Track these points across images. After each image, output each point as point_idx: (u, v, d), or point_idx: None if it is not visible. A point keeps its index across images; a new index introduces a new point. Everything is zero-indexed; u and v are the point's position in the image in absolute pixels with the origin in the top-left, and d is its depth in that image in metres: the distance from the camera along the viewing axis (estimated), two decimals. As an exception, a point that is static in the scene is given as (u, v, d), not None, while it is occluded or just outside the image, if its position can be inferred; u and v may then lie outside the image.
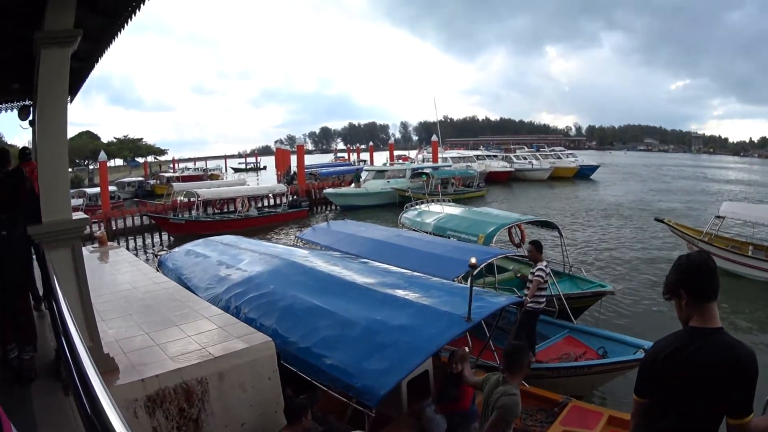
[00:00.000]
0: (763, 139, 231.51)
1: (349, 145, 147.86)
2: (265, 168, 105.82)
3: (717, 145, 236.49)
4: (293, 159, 49.53)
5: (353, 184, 42.52)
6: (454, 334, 6.48)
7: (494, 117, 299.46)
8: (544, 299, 10.32)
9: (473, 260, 7.00)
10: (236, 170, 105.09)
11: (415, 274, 9.36)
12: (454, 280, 9.94)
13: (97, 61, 7.01)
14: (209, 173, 74.10)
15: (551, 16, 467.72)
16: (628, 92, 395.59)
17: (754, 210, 20.73)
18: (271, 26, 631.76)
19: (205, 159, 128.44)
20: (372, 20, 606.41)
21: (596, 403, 9.48)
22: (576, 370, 9.26)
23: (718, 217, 19.50)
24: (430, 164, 49.42)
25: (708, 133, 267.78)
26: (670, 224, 21.27)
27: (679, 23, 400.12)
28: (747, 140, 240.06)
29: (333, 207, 39.58)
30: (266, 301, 7.96)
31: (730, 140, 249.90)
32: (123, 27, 5.60)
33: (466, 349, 6.49)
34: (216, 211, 32.87)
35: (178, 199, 32.67)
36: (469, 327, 6.63)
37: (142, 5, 5.05)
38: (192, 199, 31.04)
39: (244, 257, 10.43)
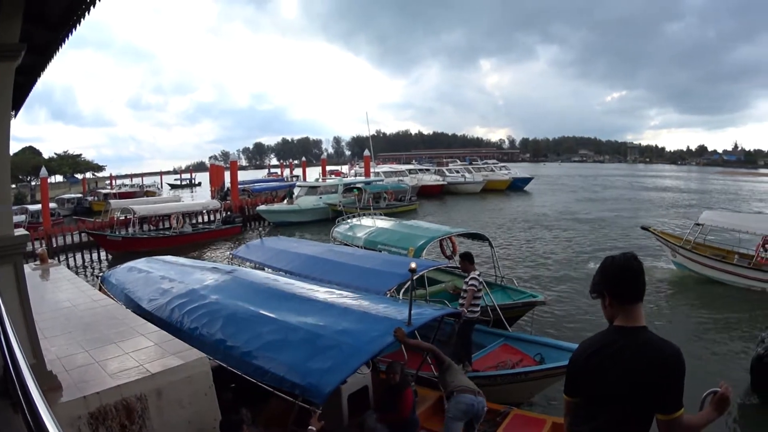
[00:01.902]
0: (701, 147, 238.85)
1: (282, 161, 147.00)
2: (200, 184, 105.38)
3: (653, 155, 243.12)
4: (227, 175, 49.19)
5: (286, 200, 42.29)
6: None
7: (427, 131, 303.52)
8: (478, 308, 10.46)
9: (413, 265, 7.10)
10: (172, 186, 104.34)
11: (352, 290, 9.41)
12: (386, 293, 10.07)
13: (39, 75, 6.97)
14: (145, 189, 73.41)
15: (487, 30, 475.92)
16: (563, 104, 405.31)
17: (732, 218, 21.33)
18: (206, 41, 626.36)
19: (142, 175, 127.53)
20: (307, 34, 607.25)
21: (538, 410, 9.55)
22: (513, 377, 9.30)
23: (697, 224, 20.06)
24: (362, 179, 49.36)
25: (644, 143, 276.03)
26: (655, 232, 21.74)
27: (617, 35, 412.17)
28: (684, 149, 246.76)
29: (266, 223, 39.34)
30: (209, 310, 7.93)
31: (668, 149, 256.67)
32: (65, 40, 5.62)
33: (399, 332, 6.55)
34: (152, 227, 32.72)
35: (115, 216, 32.41)
36: (410, 330, 6.73)
37: (83, 19, 5.08)
38: (128, 216, 30.80)
39: (187, 272, 10.44)
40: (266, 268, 12.62)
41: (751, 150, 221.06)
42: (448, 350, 8.91)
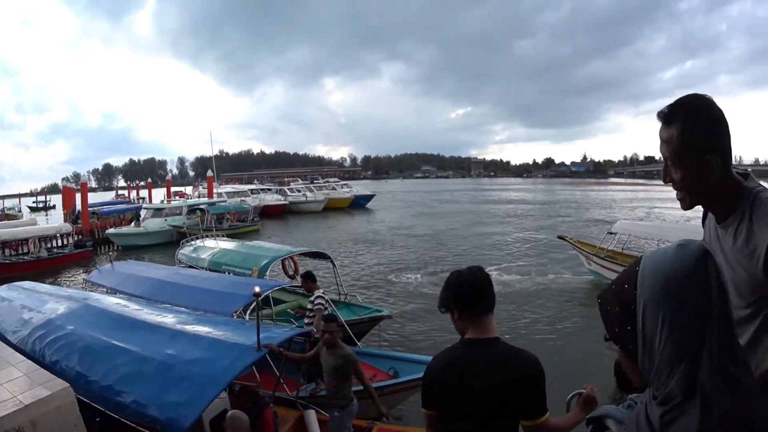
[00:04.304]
0: (548, 159, 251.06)
1: (129, 182, 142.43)
2: (54, 207, 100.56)
3: (498, 169, 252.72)
4: (78, 197, 47.41)
5: (133, 223, 41.25)
6: (246, 363, 6.75)
7: (269, 150, 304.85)
8: (325, 326, 10.83)
9: (257, 289, 7.25)
10: (32, 209, 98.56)
11: (200, 312, 9.50)
12: (233, 315, 10.20)
13: None
14: (6, 212, 69.00)
15: (331, 48, 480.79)
16: (406, 122, 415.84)
17: (645, 227, 22.90)
18: (64, 58, 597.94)
19: (3, 198, 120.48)
20: (158, 52, 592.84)
21: (399, 423, 9.53)
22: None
23: (611, 233, 21.10)
24: (206, 200, 49.00)
25: (489, 158, 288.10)
26: (571, 241, 22.66)
27: (465, 53, 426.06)
28: (531, 162, 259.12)
29: (116, 246, 38.31)
30: (66, 342, 7.82)
31: (513, 163, 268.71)
32: None
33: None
34: (12, 252, 31.60)
35: (-21, 241, 31.06)
36: (260, 356, 6.88)
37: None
38: (-10, 241, 29.82)
39: (45, 300, 10.19)
40: (118, 294, 12.44)
41: (601, 161, 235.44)
42: (302, 369, 9.21)
